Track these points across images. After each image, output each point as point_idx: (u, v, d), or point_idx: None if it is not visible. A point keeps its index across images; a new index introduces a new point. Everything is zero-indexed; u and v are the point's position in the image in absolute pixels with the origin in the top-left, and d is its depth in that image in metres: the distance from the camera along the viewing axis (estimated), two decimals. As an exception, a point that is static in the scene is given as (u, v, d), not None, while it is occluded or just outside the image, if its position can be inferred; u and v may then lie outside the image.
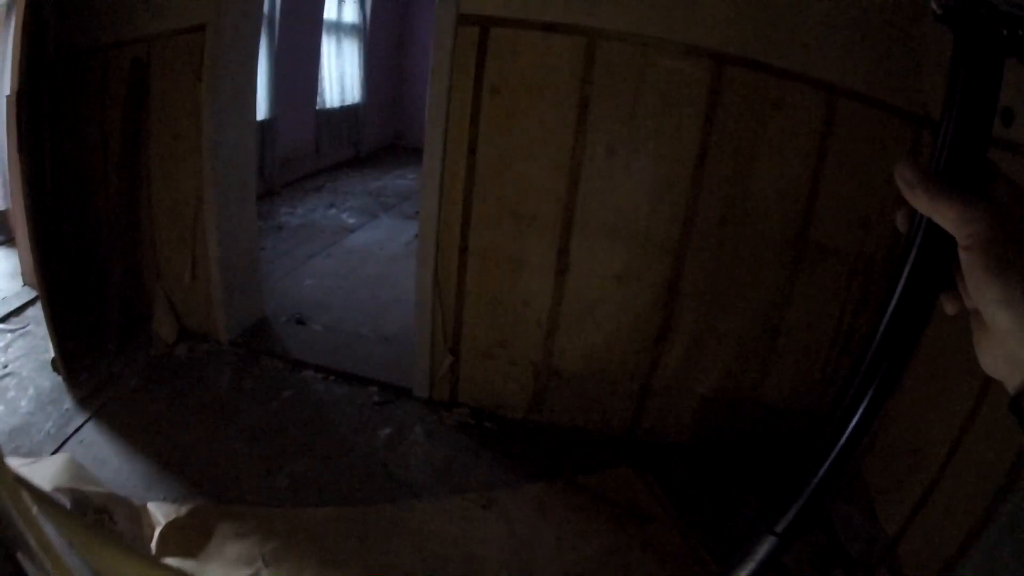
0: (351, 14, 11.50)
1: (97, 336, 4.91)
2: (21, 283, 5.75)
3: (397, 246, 7.52)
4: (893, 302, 0.68)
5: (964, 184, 0.59)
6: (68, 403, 4.12)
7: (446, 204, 4.18)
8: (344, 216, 8.52)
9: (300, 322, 5.56)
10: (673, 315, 4.04)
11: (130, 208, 4.99)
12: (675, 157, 3.74)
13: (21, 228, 5.13)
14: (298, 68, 9.78)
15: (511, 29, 3.68)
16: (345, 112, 11.66)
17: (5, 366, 4.53)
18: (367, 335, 5.42)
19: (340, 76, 11.44)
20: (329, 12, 10.71)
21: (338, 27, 11.15)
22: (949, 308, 0.66)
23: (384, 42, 12.70)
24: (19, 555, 0.73)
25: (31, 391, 4.23)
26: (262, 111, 8.76)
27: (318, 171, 10.89)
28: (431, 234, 4.31)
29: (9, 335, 5.05)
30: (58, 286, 5.13)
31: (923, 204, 0.60)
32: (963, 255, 0.57)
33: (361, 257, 7.15)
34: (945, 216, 0.58)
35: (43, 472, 3.31)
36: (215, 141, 4.55)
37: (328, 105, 11.10)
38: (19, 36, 4.37)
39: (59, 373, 4.35)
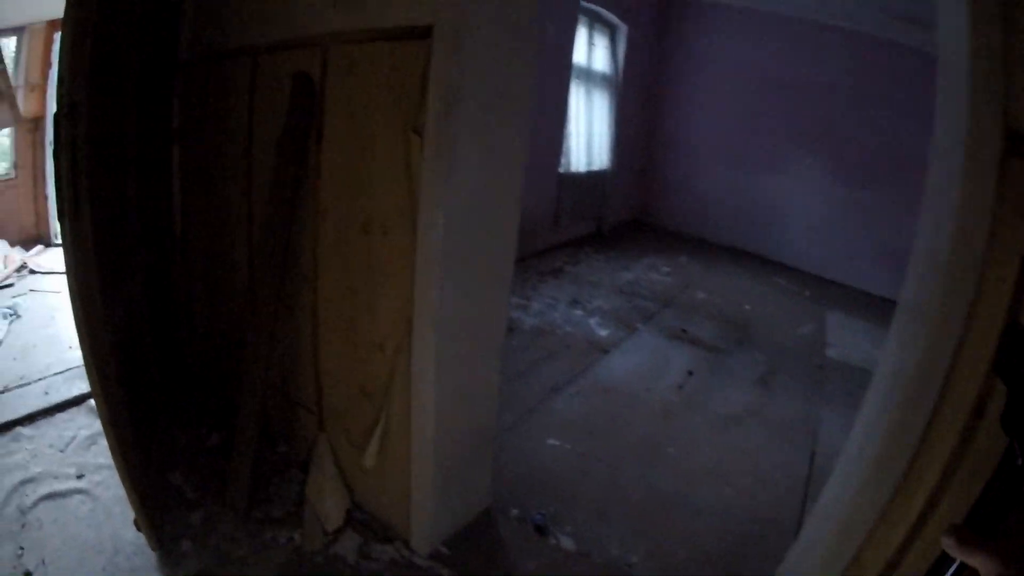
0: (601, 60, 9.56)
1: (215, 479, 3.47)
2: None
3: (668, 388, 5.33)
4: None
5: (995, 523, 0.93)
6: (155, 589, 2.68)
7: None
8: (592, 323, 6.49)
9: (540, 529, 3.43)
10: None
11: (281, 317, 3.28)
12: None
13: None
14: (542, 120, 7.98)
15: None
16: (591, 179, 9.70)
17: (80, 475, 3.38)
18: (639, 568, 3.26)
19: (588, 135, 9.48)
20: (578, 55, 8.81)
21: (588, 75, 9.24)
22: None
23: (634, 96, 10.64)
24: None
25: (106, 538, 2.95)
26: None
27: (555, 247, 9.13)
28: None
29: (98, 422, 3.64)
30: (146, 391, 3.66)
31: (960, 555, 0.90)
32: None
33: (623, 402, 4.99)
34: (973, 563, 0.88)
35: None
36: (445, 249, 2.55)
37: (573, 169, 9.20)
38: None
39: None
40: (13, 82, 6.27)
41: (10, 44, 6.46)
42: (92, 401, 3.83)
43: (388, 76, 2.60)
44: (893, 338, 2.13)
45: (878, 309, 8.83)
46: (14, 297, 5.98)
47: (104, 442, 3.40)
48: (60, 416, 3.97)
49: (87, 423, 3.72)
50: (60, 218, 2.64)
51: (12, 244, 6.95)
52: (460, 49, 2.32)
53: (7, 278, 6.30)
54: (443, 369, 2.73)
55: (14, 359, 4.68)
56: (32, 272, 6.55)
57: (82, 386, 4.10)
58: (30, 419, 3.90)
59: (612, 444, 4.34)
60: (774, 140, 10.09)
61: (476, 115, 2.46)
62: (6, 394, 4.12)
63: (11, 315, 5.61)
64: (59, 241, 7.22)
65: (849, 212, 9.55)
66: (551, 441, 4.25)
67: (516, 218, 2.94)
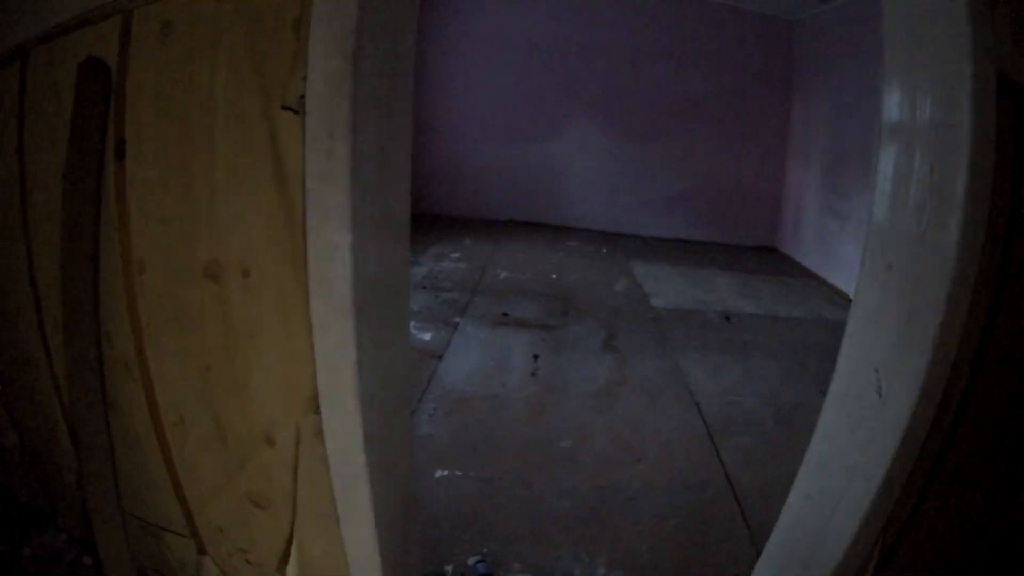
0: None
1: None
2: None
3: (522, 379, 4.82)
4: None
5: None
6: None
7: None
8: (411, 327, 5.74)
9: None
10: None
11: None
12: None
13: None
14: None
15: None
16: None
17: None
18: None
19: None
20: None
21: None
22: None
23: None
24: None
25: None
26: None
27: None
28: None
29: None
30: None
31: None
32: None
33: (487, 408, 4.37)
34: None
35: None
36: (357, 283, 1.70)
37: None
38: None
39: None
40: None
41: None
42: None
43: (231, 35, 1.75)
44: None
45: (676, 252, 8.95)
46: None
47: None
48: None
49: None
50: None
51: None
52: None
53: None
54: (373, 449, 1.89)
55: None
56: None
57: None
58: None
59: (502, 457, 3.80)
60: (546, 106, 9.88)
61: (375, 78, 1.67)
62: None
63: None
64: None
65: (629, 165, 9.70)
66: (439, 473, 3.60)
67: (407, 225, 2.16)
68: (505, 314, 6.17)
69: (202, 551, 2.44)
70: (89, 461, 2.29)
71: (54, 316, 2.38)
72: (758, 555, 2.55)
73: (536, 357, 5.18)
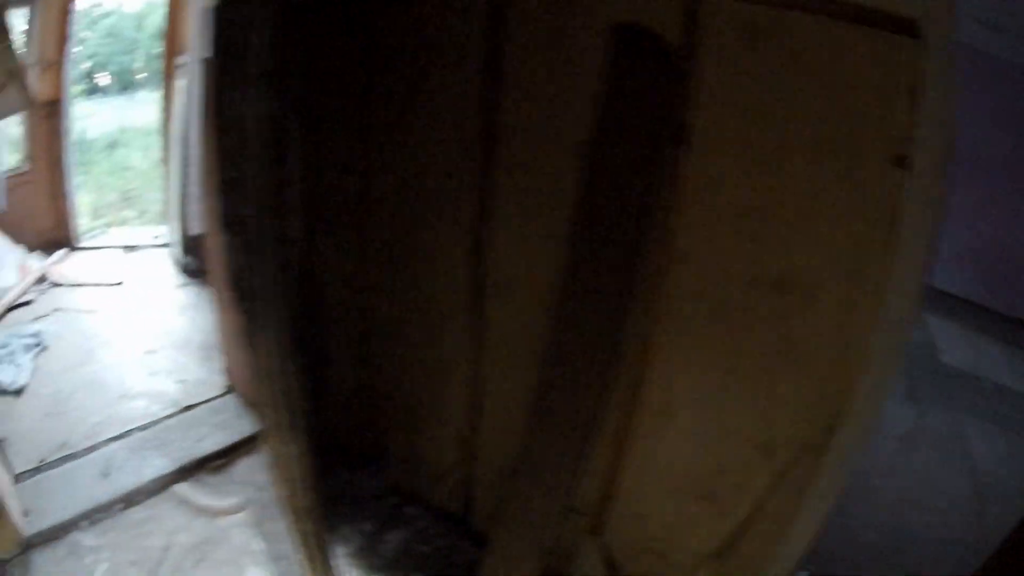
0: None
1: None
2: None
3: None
4: None
5: None
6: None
7: None
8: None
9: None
10: None
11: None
12: None
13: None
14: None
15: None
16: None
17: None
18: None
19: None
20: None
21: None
22: None
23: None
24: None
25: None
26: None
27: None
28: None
29: (199, 522, 2.70)
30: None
31: None
32: None
33: None
34: None
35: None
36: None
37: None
38: None
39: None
40: (25, 60, 5.03)
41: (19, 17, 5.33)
42: (180, 487, 2.76)
43: (831, 72, 1.82)
44: None
45: (960, 309, 8.64)
46: (36, 320, 4.63)
47: (219, 555, 2.47)
48: (135, 514, 2.69)
49: (182, 523, 2.61)
50: (242, 254, 2.03)
51: (29, 250, 5.56)
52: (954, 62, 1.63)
53: (24, 293, 4.99)
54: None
55: (47, 414, 3.36)
56: (54, 285, 5.25)
57: (159, 463, 2.85)
58: (89, 518, 2.63)
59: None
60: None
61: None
62: (45, 474, 2.79)
63: (36, 347, 4.19)
64: (88, 244, 6.09)
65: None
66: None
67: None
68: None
69: (594, 531, 2.54)
70: (546, 443, 2.38)
71: (507, 275, 2.47)
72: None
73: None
